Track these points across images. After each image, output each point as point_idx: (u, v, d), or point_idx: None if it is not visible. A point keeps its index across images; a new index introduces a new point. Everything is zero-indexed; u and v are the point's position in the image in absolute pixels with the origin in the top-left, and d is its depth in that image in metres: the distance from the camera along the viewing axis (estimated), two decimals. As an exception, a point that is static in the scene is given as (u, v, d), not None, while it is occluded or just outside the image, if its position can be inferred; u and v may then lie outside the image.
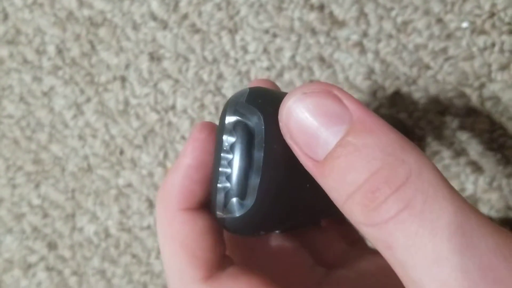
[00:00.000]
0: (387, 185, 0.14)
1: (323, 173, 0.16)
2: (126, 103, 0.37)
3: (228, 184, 0.18)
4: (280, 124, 0.17)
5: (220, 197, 0.18)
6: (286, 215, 0.19)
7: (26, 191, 0.39)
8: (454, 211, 0.14)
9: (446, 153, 0.33)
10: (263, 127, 0.17)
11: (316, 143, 0.16)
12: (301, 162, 0.16)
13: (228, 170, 0.18)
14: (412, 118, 0.33)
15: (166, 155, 0.37)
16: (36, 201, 0.39)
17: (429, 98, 0.33)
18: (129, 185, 0.37)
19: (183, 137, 0.36)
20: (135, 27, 0.37)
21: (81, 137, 0.38)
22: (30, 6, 0.39)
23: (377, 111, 0.33)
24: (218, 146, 0.18)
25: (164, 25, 0.37)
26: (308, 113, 0.16)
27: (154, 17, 0.37)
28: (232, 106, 0.18)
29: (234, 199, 0.18)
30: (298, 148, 0.16)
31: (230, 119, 0.18)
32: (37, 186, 0.39)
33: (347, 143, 0.15)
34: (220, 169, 0.18)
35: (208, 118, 0.36)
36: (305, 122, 0.16)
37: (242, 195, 0.18)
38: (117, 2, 0.37)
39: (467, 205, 0.14)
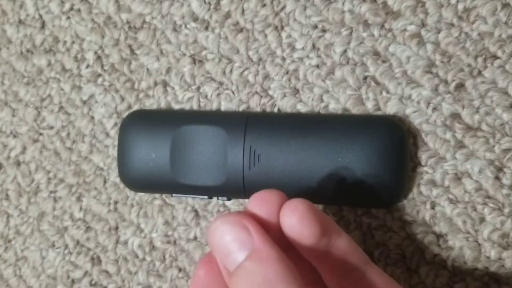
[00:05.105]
0: None
1: (230, 282, 0.21)
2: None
3: None
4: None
5: None
6: None
7: (67, 204, 0.37)
8: None
9: (519, 150, 0.30)
10: None
11: (228, 260, 0.21)
12: (221, 270, 0.22)
13: None
14: (479, 113, 0.30)
15: (211, 162, 0.35)
16: (78, 214, 0.37)
17: (497, 91, 0.30)
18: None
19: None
20: (176, 29, 0.35)
21: (122, 146, 0.36)
22: (67, 12, 0.38)
23: (439, 106, 0.31)
24: None
25: (206, 25, 0.35)
26: (223, 237, 0.21)
27: (194, 18, 0.35)
28: None
29: None
30: (219, 260, 0.22)
31: None
32: (78, 198, 0.37)
33: (243, 267, 0.20)
34: None
35: (254, 122, 0.34)
36: (221, 245, 0.21)
37: None
38: (156, 4, 0.36)
39: None
